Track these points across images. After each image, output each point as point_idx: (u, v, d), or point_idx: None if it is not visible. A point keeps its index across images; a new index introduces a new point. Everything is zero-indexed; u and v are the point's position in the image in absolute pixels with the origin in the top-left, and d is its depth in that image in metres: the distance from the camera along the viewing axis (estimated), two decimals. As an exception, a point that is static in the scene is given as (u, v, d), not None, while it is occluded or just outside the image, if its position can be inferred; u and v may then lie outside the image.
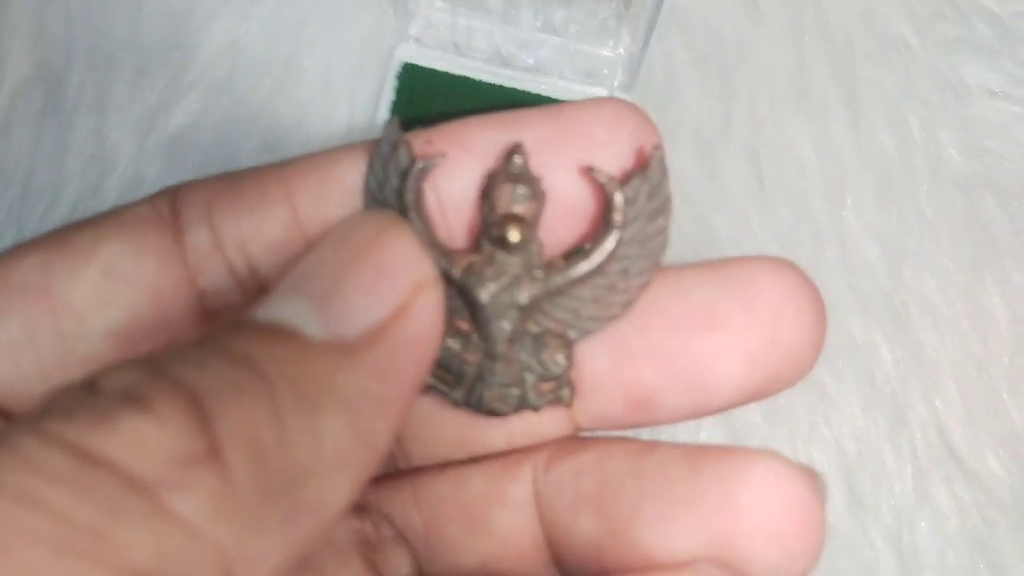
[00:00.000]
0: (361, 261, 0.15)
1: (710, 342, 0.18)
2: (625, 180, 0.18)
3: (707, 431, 0.30)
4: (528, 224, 0.18)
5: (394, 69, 0.32)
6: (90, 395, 0.13)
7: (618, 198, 0.18)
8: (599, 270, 0.19)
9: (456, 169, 0.19)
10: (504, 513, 0.20)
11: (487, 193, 0.19)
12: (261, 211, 0.18)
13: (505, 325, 0.19)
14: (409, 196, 0.18)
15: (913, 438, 0.29)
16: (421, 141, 0.19)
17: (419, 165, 0.18)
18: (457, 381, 0.19)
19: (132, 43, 0.34)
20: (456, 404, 0.19)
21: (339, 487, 0.14)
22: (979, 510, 0.28)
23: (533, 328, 0.19)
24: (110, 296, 0.18)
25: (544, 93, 0.32)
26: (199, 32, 0.33)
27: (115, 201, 0.35)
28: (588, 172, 0.18)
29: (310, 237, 0.19)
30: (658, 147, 0.19)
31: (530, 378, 0.19)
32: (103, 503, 0.12)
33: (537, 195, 0.18)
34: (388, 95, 0.31)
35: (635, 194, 0.18)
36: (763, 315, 0.18)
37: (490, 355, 0.19)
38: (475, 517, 0.20)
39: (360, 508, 0.21)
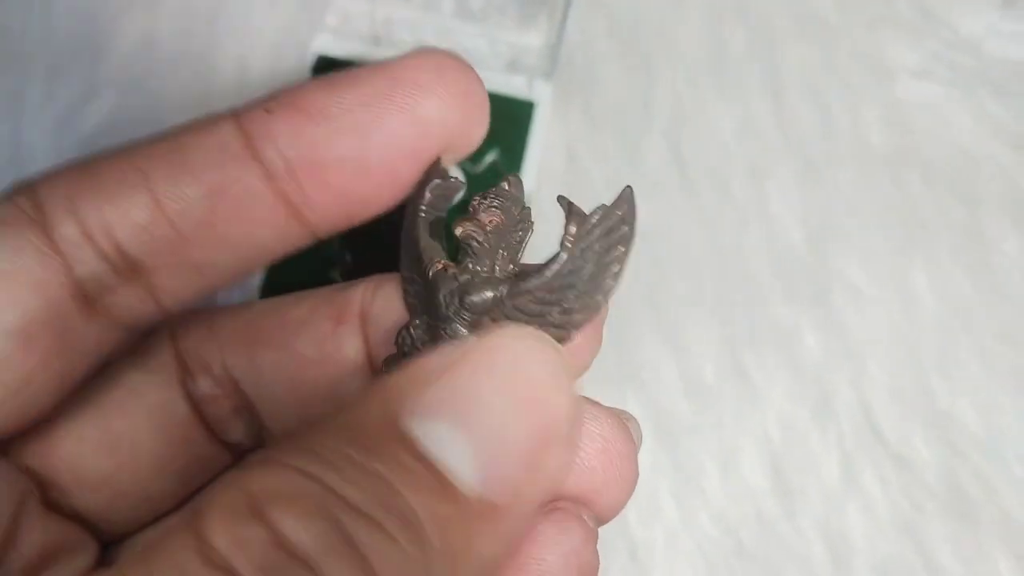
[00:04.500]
0: (528, 417, 0.16)
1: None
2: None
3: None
4: (484, 229, 0.19)
5: (309, 62, 0.31)
6: (271, 543, 0.13)
7: (571, 227, 0.18)
8: (546, 286, 0.19)
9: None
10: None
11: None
12: (121, 198, 0.19)
13: (457, 327, 0.19)
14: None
15: (840, 423, 0.29)
16: (260, 111, 0.19)
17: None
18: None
19: (45, 41, 0.33)
20: None
21: None
22: (907, 494, 0.28)
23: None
24: (2, 298, 0.18)
25: (464, 82, 0.31)
26: (111, 28, 0.32)
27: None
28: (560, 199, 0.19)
29: (170, 215, 0.19)
30: (629, 186, 0.19)
31: None
32: None
33: (507, 210, 0.19)
34: (303, 88, 0.31)
35: (593, 225, 0.18)
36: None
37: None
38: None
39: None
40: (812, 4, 0.30)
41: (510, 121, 0.31)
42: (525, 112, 0.31)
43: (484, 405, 0.15)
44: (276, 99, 0.20)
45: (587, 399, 0.19)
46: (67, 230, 0.19)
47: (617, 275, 0.19)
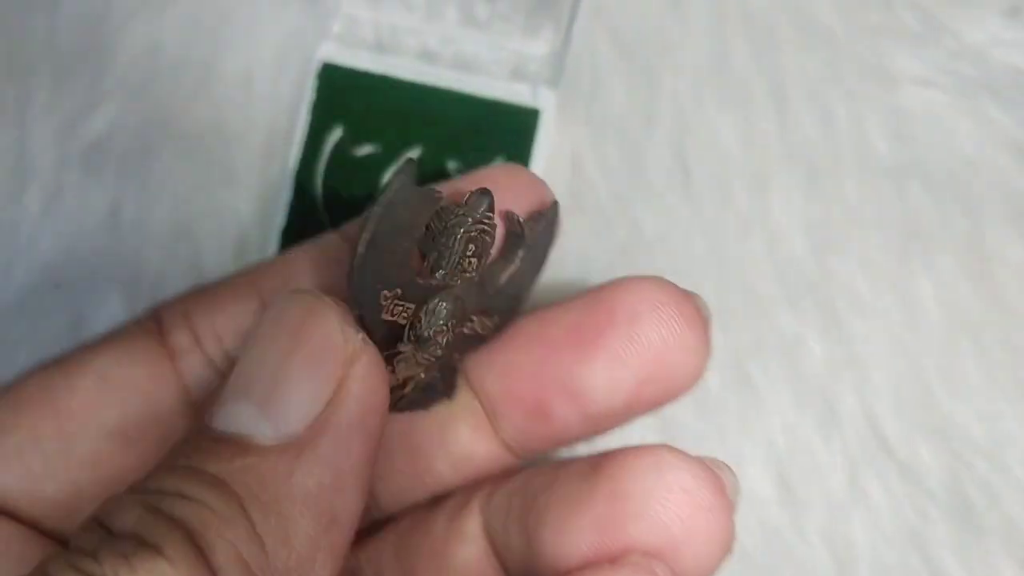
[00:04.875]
0: (293, 354, 0.17)
1: (576, 353, 0.20)
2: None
3: (639, 432, 0.29)
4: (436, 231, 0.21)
5: (314, 69, 0.31)
6: (107, 536, 0.15)
7: (529, 228, 0.21)
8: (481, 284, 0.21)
9: None
10: (463, 548, 0.21)
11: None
12: (232, 306, 0.21)
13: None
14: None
15: (844, 431, 0.29)
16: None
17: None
18: None
19: (49, 49, 0.33)
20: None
21: (319, 572, 0.16)
22: (912, 502, 0.28)
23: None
24: (106, 400, 0.20)
25: (468, 91, 0.31)
26: (116, 36, 0.32)
27: (38, 212, 0.34)
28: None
29: None
30: (556, 203, 0.22)
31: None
32: None
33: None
34: (308, 96, 0.31)
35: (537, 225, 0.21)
36: (621, 323, 0.20)
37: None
38: (440, 557, 0.21)
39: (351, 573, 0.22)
40: (815, 13, 0.30)
41: (515, 128, 0.31)
42: (530, 120, 0.31)
43: (256, 369, 0.17)
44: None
45: (671, 448, 0.18)
46: (179, 338, 0.20)
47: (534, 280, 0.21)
